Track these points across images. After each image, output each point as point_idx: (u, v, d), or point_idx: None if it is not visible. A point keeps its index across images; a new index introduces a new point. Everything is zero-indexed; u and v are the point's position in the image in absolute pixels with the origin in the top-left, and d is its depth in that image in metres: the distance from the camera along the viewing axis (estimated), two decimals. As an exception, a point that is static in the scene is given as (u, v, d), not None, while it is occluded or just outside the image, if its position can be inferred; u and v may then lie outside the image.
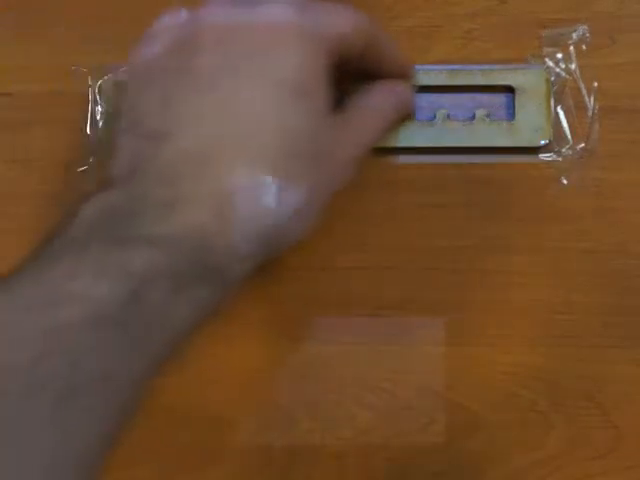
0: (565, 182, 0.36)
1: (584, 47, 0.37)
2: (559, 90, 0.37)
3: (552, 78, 0.37)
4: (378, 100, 0.34)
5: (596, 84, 0.37)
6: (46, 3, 0.38)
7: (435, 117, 0.36)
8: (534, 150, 0.36)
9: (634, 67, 0.37)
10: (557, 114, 0.37)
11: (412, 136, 0.36)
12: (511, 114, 0.37)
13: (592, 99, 0.37)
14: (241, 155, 0.26)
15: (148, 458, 0.36)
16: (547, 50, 0.37)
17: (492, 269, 0.36)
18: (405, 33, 0.37)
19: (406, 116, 0.36)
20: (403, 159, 0.37)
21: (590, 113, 0.37)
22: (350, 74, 0.33)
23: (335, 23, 0.29)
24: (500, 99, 0.37)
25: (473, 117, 0.37)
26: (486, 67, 0.37)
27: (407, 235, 0.36)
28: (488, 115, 0.36)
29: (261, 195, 0.26)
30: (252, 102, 0.27)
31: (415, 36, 0.37)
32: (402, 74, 0.35)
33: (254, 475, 0.36)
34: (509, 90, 0.37)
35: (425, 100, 0.37)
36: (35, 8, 0.38)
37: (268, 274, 0.36)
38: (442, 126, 0.36)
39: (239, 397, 0.36)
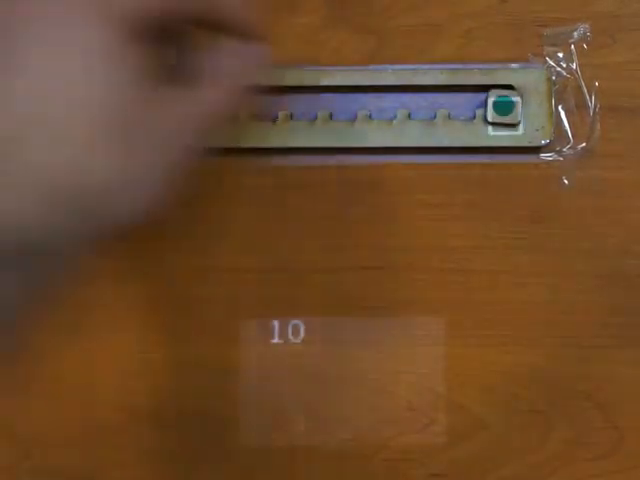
0: (566, 182, 0.36)
1: (585, 46, 0.37)
2: (560, 89, 0.37)
3: (553, 77, 0.36)
4: (222, 66, 0.31)
5: (597, 83, 0.37)
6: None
7: (435, 117, 0.36)
8: (535, 150, 0.36)
9: (635, 66, 0.37)
10: (558, 113, 0.37)
11: (412, 136, 0.36)
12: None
13: (593, 98, 0.37)
14: (41, 133, 0.26)
15: (148, 458, 0.36)
16: (548, 49, 0.37)
17: (492, 269, 0.36)
18: (405, 33, 0.37)
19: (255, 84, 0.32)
20: (403, 159, 0.37)
21: (591, 112, 0.37)
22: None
23: None
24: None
25: (473, 117, 0.36)
26: (486, 67, 0.36)
27: (407, 235, 0.36)
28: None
29: (60, 171, 0.26)
30: (51, 76, 0.26)
31: (415, 36, 0.37)
32: (254, 35, 0.32)
33: (254, 475, 0.36)
34: (510, 90, 0.37)
35: (425, 100, 0.37)
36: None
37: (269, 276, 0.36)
38: (442, 126, 0.36)
39: (239, 397, 0.36)
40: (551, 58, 0.37)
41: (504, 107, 0.36)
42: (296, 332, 0.36)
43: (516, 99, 0.36)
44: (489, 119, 0.36)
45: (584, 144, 0.36)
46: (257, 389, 0.36)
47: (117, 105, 0.27)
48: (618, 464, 0.35)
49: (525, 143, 0.36)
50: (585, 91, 0.37)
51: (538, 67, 0.37)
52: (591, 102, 0.37)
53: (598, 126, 0.36)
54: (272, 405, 0.36)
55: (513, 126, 0.36)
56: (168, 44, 0.30)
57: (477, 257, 0.36)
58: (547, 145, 0.36)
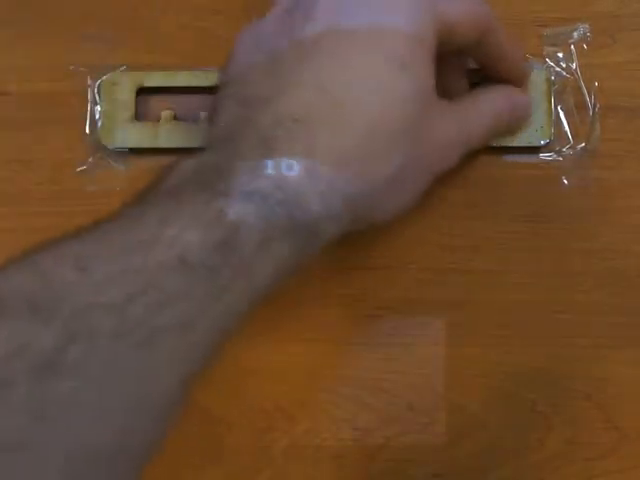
0: (566, 182, 0.36)
1: (585, 46, 0.37)
2: (560, 89, 0.37)
3: (553, 77, 0.37)
4: (495, 101, 0.34)
5: (597, 83, 0.37)
6: (46, 3, 0.38)
7: (435, 117, 0.36)
8: (535, 150, 0.36)
9: (635, 66, 0.37)
10: (558, 113, 0.37)
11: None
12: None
13: (593, 98, 0.37)
14: (335, 121, 0.27)
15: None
16: (548, 49, 0.37)
17: (492, 269, 0.36)
18: (405, 33, 0.37)
19: (521, 125, 0.36)
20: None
21: (591, 112, 0.37)
22: (463, 70, 0.34)
23: (451, 7, 0.29)
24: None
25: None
26: (486, 67, 0.36)
27: (407, 235, 0.36)
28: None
29: (350, 161, 0.27)
30: (355, 68, 0.27)
31: (415, 36, 0.37)
32: (517, 77, 0.35)
33: (254, 475, 0.36)
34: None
35: (425, 100, 0.37)
36: (35, 8, 0.38)
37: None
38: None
39: (239, 397, 0.36)
40: (551, 58, 0.37)
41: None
42: (296, 331, 0.36)
43: None
44: None
45: (584, 144, 0.36)
46: (257, 389, 0.36)
47: (411, 111, 0.28)
48: (618, 464, 0.35)
49: (525, 143, 0.36)
50: (585, 91, 0.37)
51: (538, 67, 0.37)
52: (591, 102, 0.37)
53: (598, 126, 0.36)
54: (272, 405, 0.36)
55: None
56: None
57: (477, 257, 0.36)
58: (547, 145, 0.36)
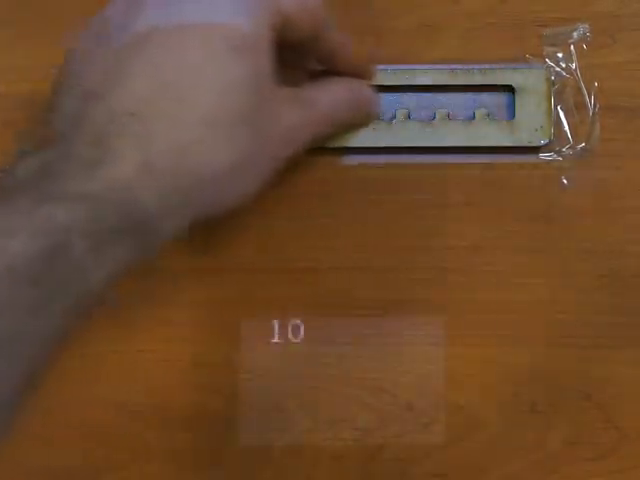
0: (565, 182, 0.36)
1: (585, 46, 0.37)
2: (559, 89, 0.37)
3: (552, 77, 0.37)
4: (334, 91, 0.34)
5: (596, 83, 0.37)
6: (46, 3, 0.38)
7: (435, 117, 0.36)
8: (534, 150, 0.36)
9: (634, 66, 0.37)
10: (557, 113, 0.37)
11: (412, 136, 0.36)
12: (511, 114, 0.37)
13: (592, 98, 0.37)
14: (170, 114, 0.26)
15: (148, 458, 0.36)
16: (547, 49, 0.37)
17: (492, 269, 0.36)
18: (405, 33, 0.37)
19: (368, 118, 0.36)
20: (403, 159, 0.37)
21: (590, 112, 0.37)
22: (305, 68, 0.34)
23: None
24: (500, 99, 0.37)
25: (473, 117, 0.36)
26: (486, 67, 0.36)
27: (407, 235, 0.36)
28: (488, 115, 0.36)
29: (187, 153, 0.27)
30: (188, 54, 0.27)
31: (415, 36, 0.37)
32: (358, 73, 0.35)
33: (254, 475, 0.36)
34: (509, 90, 0.37)
35: (425, 100, 0.37)
36: (35, 8, 0.38)
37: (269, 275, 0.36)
38: (442, 126, 0.36)
39: (239, 397, 0.36)
40: (550, 58, 0.37)
41: None
42: (296, 332, 0.36)
43: None
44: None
45: (583, 144, 0.36)
46: (257, 389, 0.36)
47: (248, 95, 0.28)
48: (618, 464, 0.35)
49: (525, 143, 0.36)
50: (584, 91, 0.37)
51: (537, 67, 0.37)
52: (590, 102, 0.37)
53: (597, 126, 0.36)
54: (272, 405, 0.36)
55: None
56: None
57: (477, 257, 0.36)
58: (546, 145, 0.36)
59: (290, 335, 0.36)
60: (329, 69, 0.34)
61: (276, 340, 0.36)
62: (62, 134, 0.27)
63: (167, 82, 0.27)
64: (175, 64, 0.27)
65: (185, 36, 0.27)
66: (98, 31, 0.29)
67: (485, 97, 0.37)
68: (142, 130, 0.26)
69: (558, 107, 0.37)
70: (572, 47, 0.37)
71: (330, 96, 0.34)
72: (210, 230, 0.36)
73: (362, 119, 0.36)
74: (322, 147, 0.36)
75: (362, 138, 0.36)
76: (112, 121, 0.26)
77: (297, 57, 0.34)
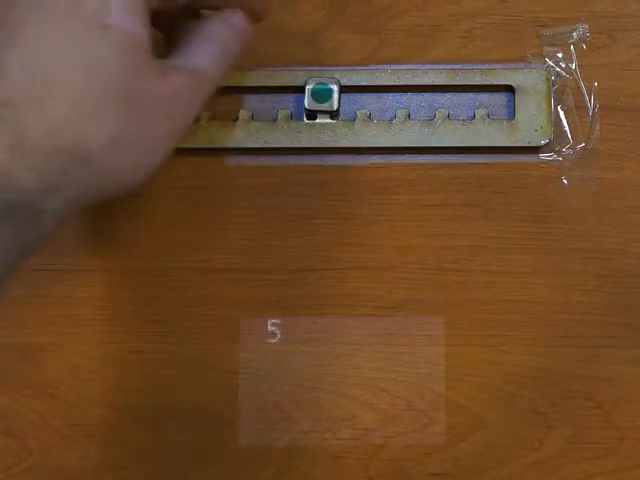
0: (565, 182, 0.36)
1: (584, 46, 0.37)
2: (559, 89, 0.37)
3: (552, 77, 0.37)
4: (219, 35, 0.32)
5: (596, 83, 0.37)
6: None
7: (435, 117, 0.36)
8: (534, 150, 0.36)
9: (634, 66, 0.37)
10: (557, 113, 0.37)
11: (412, 136, 0.36)
12: (511, 114, 0.37)
13: (592, 98, 0.37)
14: (41, 96, 0.27)
15: (148, 458, 0.36)
16: (547, 49, 0.37)
17: (492, 269, 0.36)
18: (405, 33, 0.37)
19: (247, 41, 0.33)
20: (403, 159, 0.37)
21: (590, 112, 0.37)
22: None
23: None
24: (500, 99, 0.37)
25: (473, 117, 0.37)
26: (486, 67, 0.37)
27: (407, 235, 0.36)
28: (488, 115, 0.36)
29: (61, 131, 0.27)
30: (56, 40, 0.27)
31: (415, 36, 0.37)
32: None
33: (254, 475, 0.36)
34: (509, 90, 0.37)
35: (425, 100, 0.37)
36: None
37: (273, 274, 0.36)
38: (442, 126, 0.36)
39: (239, 397, 0.36)
40: (550, 58, 0.37)
41: (322, 94, 0.36)
42: (296, 332, 0.36)
43: (333, 86, 0.36)
44: (307, 106, 0.36)
45: (583, 144, 0.36)
46: (257, 389, 0.36)
47: (121, 69, 0.28)
48: (618, 464, 0.35)
49: (524, 143, 0.36)
50: (584, 91, 0.37)
51: (537, 67, 0.37)
52: (590, 102, 0.37)
53: (597, 126, 0.36)
54: (272, 405, 0.36)
55: (332, 114, 0.36)
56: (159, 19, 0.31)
57: (477, 257, 0.36)
58: (546, 145, 0.36)
59: (290, 335, 0.36)
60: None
61: (276, 340, 0.36)
62: None
63: (37, 69, 0.27)
64: (43, 50, 0.27)
65: (53, 16, 0.27)
66: None
67: (485, 97, 0.37)
68: (15, 117, 0.26)
69: (558, 107, 0.37)
70: (572, 47, 0.37)
71: (217, 43, 0.32)
72: (209, 230, 0.36)
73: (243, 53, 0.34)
74: (325, 152, 0.36)
75: (359, 138, 0.36)
76: None
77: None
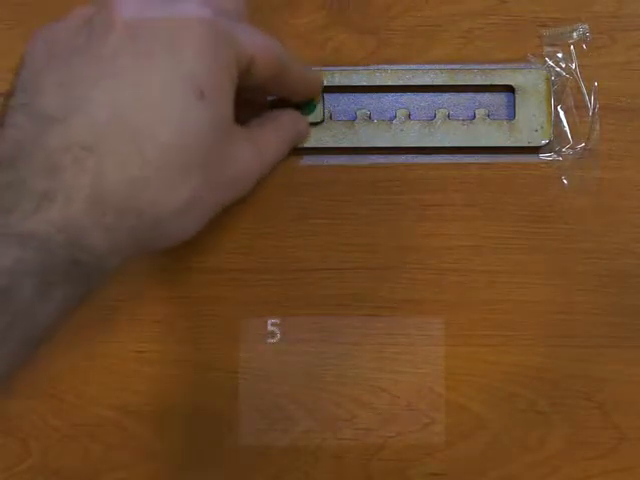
0: (565, 182, 0.36)
1: (584, 46, 0.37)
2: (559, 90, 0.37)
3: (552, 77, 0.37)
4: (284, 129, 0.34)
5: (596, 83, 0.37)
6: (47, 3, 0.38)
7: (435, 117, 0.36)
8: (534, 150, 0.36)
9: (634, 66, 0.37)
10: (557, 114, 0.37)
11: (412, 136, 0.36)
12: (511, 114, 0.37)
13: (592, 98, 0.37)
14: (126, 149, 0.26)
15: (148, 458, 0.36)
16: (547, 49, 0.37)
17: (492, 269, 0.36)
18: (405, 33, 0.37)
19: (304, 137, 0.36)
20: (404, 159, 0.37)
21: (590, 112, 0.37)
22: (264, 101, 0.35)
23: (249, 41, 0.29)
24: (500, 99, 0.37)
25: (473, 117, 0.37)
26: (486, 67, 0.37)
27: (407, 235, 0.36)
28: (488, 115, 0.36)
29: (139, 193, 0.26)
30: (152, 92, 0.26)
31: (415, 36, 0.37)
32: (307, 93, 0.35)
33: (254, 475, 0.36)
34: (509, 90, 0.37)
35: (425, 100, 0.37)
36: (33, 7, 0.38)
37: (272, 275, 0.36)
38: (442, 126, 0.36)
39: (239, 397, 0.36)
40: (550, 58, 0.37)
41: (307, 107, 0.36)
42: (296, 332, 0.36)
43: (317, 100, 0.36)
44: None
45: (583, 144, 0.36)
46: (257, 389, 0.36)
47: (207, 140, 0.27)
48: (618, 464, 0.35)
49: (524, 143, 0.36)
50: (584, 91, 0.37)
51: (537, 67, 0.37)
52: (590, 102, 0.37)
53: (597, 126, 0.36)
54: (272, 405, 0.36)
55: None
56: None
57: (477, 257, 0.36)
58: (546, 145, 0.36)
59: (290, 335, 0.36)
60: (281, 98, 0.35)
61: (276, 340, 0.36)
62: (12, 155, 0.26)
63: (125, 116, 0.26)
64: (136, 99, 0.26)
65: (149, 71, 0.26)
66: (53, 41, 0.28)
67: (485, 97, 0.37)
68: (96, 165, 0.25)
69: (558, 107, 0.37)
70: (572, 47, 0.37)
71: (282, 135, 0.34)
72: (209, 230, 0.36)
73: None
74: (325, 152, 0.36)
75: (360, 138, 0.36)
76: (67, 152, 0.25)
77: (254, 94, 0.34)
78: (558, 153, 0.36)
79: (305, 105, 0.36)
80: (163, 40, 0.27)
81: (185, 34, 0.27)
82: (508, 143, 0.36)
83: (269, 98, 0.35)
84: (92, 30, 0.27)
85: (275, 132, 0.34)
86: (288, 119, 0.35)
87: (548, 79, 0.36)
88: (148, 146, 0.26)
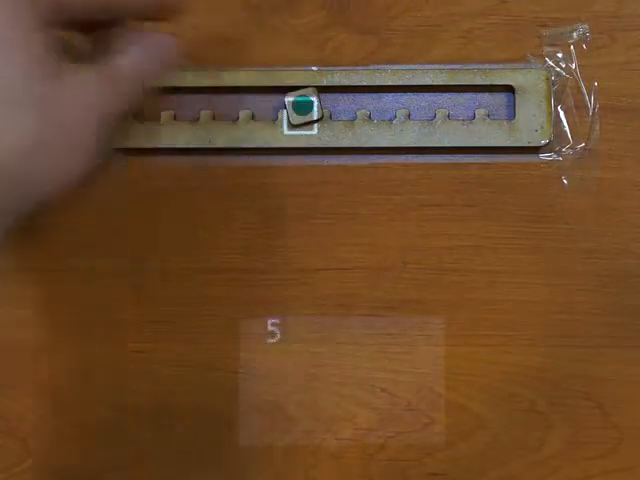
0: (565, 182, 0.36)
1: (584, 46, 0.37)
2: (559, 90, 0.37)
3: (552, 77, 0.37)
4: (135, 54, 0.32)
5: (596, 83, 0.37)
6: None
7: (435, 117, 0.36)
8: (534, 150, 0.36)
9: (634, 66, 0.37)
10: (557, 114, 0.37)
11: (412, 136, 0.36)
12: (511, 114, 0.37)
13: (592, 98, 0.37)
14: None
15: (148, 458, 0.36)
16: (547, 49, 0.37)
17: (492, 269, 0.36)
18: (405, 33, 0.37)
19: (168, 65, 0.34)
20: (404, 159, 0.37)
21: (590, 112, 0.37)
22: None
23: None
24: (500, 99, 0.37)
25: (473, 117, 0.37)
26: (486, 67, 0.37)
27: (407, 235, 0.36)
28: (488, 115, 0.36)
29: None
30: None
31: (415, 36, 0.37)
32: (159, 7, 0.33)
33: (254, 475, 0.36)
34: (509, 90, 0.37)
35: (425, 100, 0.37)
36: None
37: (272, 276, 0.36)
38: (442, 126, 0.36)
39: (239, 397, 0.36)
40: (550, 58, 0.37)
41: (304, 107, 0.36)
42: (296, 332, 0.36)
43: (313, 98, 0.36)
44: (292, 121, 0.36)
45: (583, 144, 0.36)
46: (257, 389, 0.36)
47: (23, 79, 0.28)
48: (618, 464, 0.35)
49: (524, 143, 0.36)
50: (584, 91, 0.37)
51: (537, 67, 0.37)
52: (590, 102, 0.37)
53: (597, 126, 0.36)
54: (272, 405, 0.36)
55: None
56: (75, 27, 0.31)
57: (477, 257, 0.36)
58: (546, 145, 0.36)
59: (290, 335, 0.36)
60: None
61: (276, 340, 0.36)
62: None
63: None
64: None
65: None
66: None
67: (485, 97, 0.37)
68: None
69: (558, 107, 0.37)
70: (572, 47, 0.37)
71: (132, 60, 0.32)
72: (208, 230, 0.36)
73: (169, 65, 0.34)
74: (325, 152, 0.36)
75: (359, 138, 0.36)
76: None
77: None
78: (558, 153, 0.37)
79: (299, 106, 0.36)
80: None
81: None
82: (508, 143, 0.36)
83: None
84: None
85: (128, 53, 0.32)
86: (141, 36, 0.32)
87: (548, 79, 0.36)
88: None
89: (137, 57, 0.32)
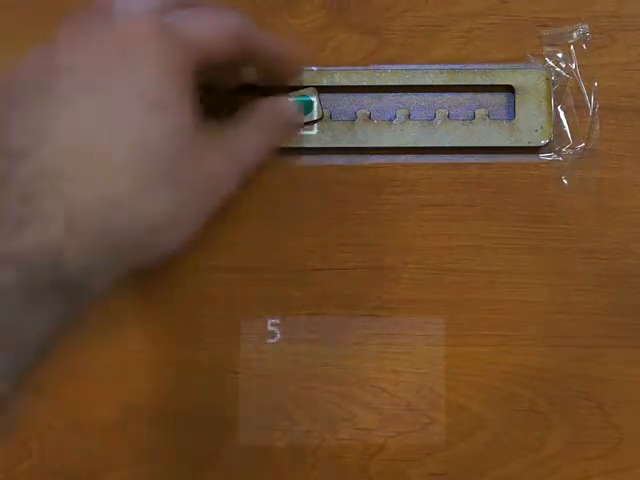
0: (565, 182, 0.36)
1: (584, 46, 0.37)
2: (559, 90, 0.37)
3: (552, 78, 0.37)
4: (260, 120, 0.33)
5: (596, 83, 0.37)
6: (43, 2, 0.38)
7: (435, 117, 0.36)
8: (534, 150, 0.36)
9: (634, 66, 0.37)
10: (557, 114, 0.37)
11: (412, 136, 0.36)
12: (511, 114, 0.37)
13: (592, 98, 0.37)
14: (94, 171, 0.26)
15: (148, 458, 0.36)
16: (547, 49, 0.37)
17: (492, 269, 0.36)
18: (405, 33, 0.37)
19: (295, 129, 0.36)
20: (404, 159, 0.37)
21: (590, 112, 0.37)
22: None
23: (199, 29, 0.29)
24: (500, 99, 0.37)
25: (473, 117, 0.37)
26: (486, 67, 0.37)
27: (407, 235, 0.36)
28: (488, 115, 0.36)
29: (112, 211, 0.26)
30: (106, 117, 0.27)
31: (415, 36, 0.37)
32: (289, 74, 0.34)
33: (254, 475, 0.36)
34: (509, 90, 0.37)
35: (425, 100, 0.37)
36: (32, 6, 0.38)
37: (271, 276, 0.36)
38: (442, 126, 0.36)
39: (239, 397, 0.36)
40: (550, 58, 0.37)
41: (304, 107, 0.36)
42: (296, 332, 0.36)
43: (313, 98, 0.36)
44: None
45: (583, 144, 0.36)
46: (257, 389, 0.36)
47: (169, 150, 0.28)
48: (618, 464, 0.35)
49: (524, 143, 0.36)
50: (584, 91, 0.37)
51: (537, 67, 0.37)
52: (590, 102, 0.37)
53: (597, 126, 0.36)
54: (272, 405, 0.36)
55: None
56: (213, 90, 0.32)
57: (477, 257, 0.36)
58: (546, 145, 0.36)
59: (290, 335, 0.36)
60: (269, 77, 0.34)
61: (276, 340, 0.36)
62: None
63: (86, 140, 0.26)
64: (94, 122, 0.27)
65: (102, 96, 0.27)
66: (9, 83, 0.28)
67: (485, 97, 0.37)
68: (67, 189, 0.26)
69: (558, 107, 0.37)
70: (572, 47, 0.37)
71: (256, 137, 0.33)
72: (208, 230, 0.36)
73: (293, 130, 0.36)
74: (325, 152, 0.36)
75: (359, 138, 0.36)
76: (38, 180, 0.26)
77: (227, 74, 0.33)
78: (558, 153, 0.36)
79: (301, 103, 0.35)
80: (106, 65, 0.27)
81: (126, 53, 0.27)
82: (508, 143, 0.36)
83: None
84: (42, 65, 0.28)
85: (251, 130, 0.33)
86: (268, 111, 0.34)
87: (548, 79, 0.36)
88: (110, 165, 0.26)
89: (263, 137, 0.33)
